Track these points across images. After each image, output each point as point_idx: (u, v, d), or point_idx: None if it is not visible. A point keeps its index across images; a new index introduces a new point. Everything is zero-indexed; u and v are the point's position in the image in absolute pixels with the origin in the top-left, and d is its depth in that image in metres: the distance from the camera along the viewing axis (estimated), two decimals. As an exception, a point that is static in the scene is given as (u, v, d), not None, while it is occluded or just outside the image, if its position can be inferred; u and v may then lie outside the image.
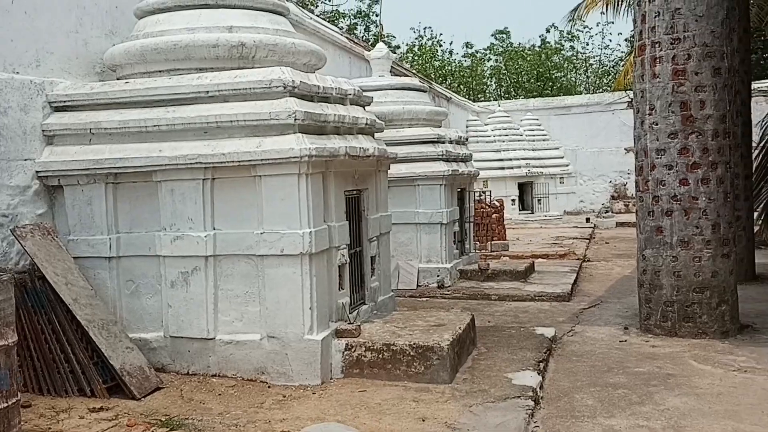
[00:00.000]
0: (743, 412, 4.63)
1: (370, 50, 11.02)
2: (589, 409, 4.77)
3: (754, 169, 11.62)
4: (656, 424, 4.46)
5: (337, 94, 5.73)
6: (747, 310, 7.37)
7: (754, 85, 12.94)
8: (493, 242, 12.86)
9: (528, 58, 34.63)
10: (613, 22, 27.28)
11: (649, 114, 6.73)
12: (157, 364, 5.41)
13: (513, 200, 19.63)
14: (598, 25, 33.83)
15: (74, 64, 6.03)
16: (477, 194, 13.35)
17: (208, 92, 5.30)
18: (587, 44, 35.47)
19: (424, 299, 8.83)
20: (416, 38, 35.95)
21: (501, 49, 36.27)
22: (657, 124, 6.67)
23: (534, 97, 28.76)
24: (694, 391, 5.08)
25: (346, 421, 4.40)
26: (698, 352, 6.08)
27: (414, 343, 5.22)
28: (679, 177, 6.58)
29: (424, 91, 10.53)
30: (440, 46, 36.02)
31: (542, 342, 6.23)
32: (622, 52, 33.46)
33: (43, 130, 5.59)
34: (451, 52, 36.45)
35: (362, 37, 28.64)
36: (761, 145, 13.89)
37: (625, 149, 22.24)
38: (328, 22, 17.09)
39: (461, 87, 33.70)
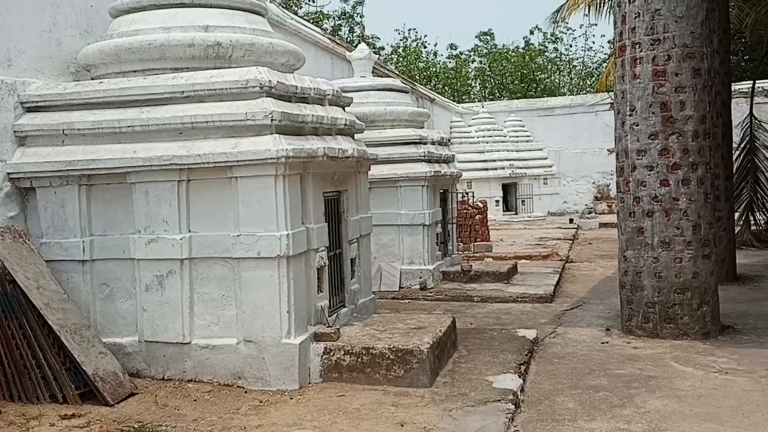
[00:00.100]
0: (724, 415, 4.61)
1: (352, 51, 10.95)
2: (569, 413, 4.73)
3: (734, 170, 11.68)
4: (637, 428, 4.43)
5: (315, 94, 5.66)
6: (728, 310, 7.38)
7: (735, 86, 13.01)
8: (476, 243, 12.83)
9: (512, 60, 34.72)
10: (596, 24, 27.34)
11: (630, 115, 6.72)
12: (132, 370, 5.31)
13: (497, 201, 19.66)
14: (581, 27, 34.14)
15: (47, 64, 5.91)
16: (460, 195, 13.32)
17: (183, 92, 5.21)
18: (571, 46, 35.81)
19: (407, 301, 8.77)
20: (401, 40, 35.98)
21: (485, 51, 36.35)
22: (637, 125, 6.66)
23: (518, 98, 28.82)
24: (675, 393, 5.05)
25: (324, 427, 4.33)
26: (679, 353, 6.06)
27: (393, 347, 5.16)
28: (660, 178, 6.57)
29: (406, 92, 10.48)
30: (425, 47, 36.05)
31: (524, 344, 6.18)
32: (605, 53, 33.63)
33: (14, 131, 5.48)
34: (435, 54, 36.52)
35: (346, 38, 28.52)
36: (742, 146, 14.01)
37: (608, 150, 22.30)
38: (313, 23, 17.01)
39: (446, 88, 33.71)
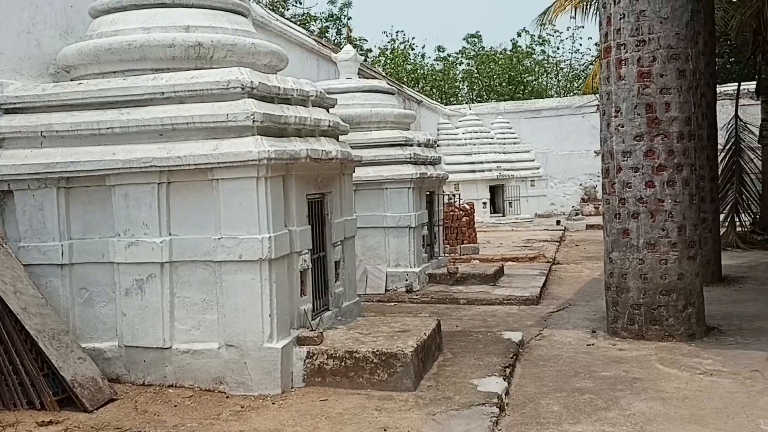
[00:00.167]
0: (708, 417, 4.58)
1: (338, 53, 10.89)
2: (554, 416, 4.69)
3: (720, 171, 11.72)
4: (621, 430, 4.39)
5: (298, 95, 5.61)
6: (713, 312, 7.38)
7: (720, 88, 13.09)
8: (463, 245, 12.81)
9: (500, 62, 34.77)
10: (583, 27, 27.54)
11: (615, 116, 6.70)
12: (112, 375, 5.23)
13: (484, 203, 19.66)
14: (568, 30, 34.22)
15: (26, 65, 5.83)
16: (447, 197, 13.29)
17: (163, 93, 5.14)
18: (558, 48, 35.80)
19: (392, 304, 8.72)
20: (389, 42, 35.95)
21: (473, 53, 36.38)
22: (623, 126, 6.64)
23: (506, 100, 28.85)
24: (660, 395, 5.02)
25: (305, 432, 4.27)
26: (665, 355, 6.05)
27: (377, 350, 5.10)
28: (645, 179, 6.56)
29: (392, 94, 10.43)
30: (413, 49, 36.06)
31: (509, 347, 6.14)
32: (592, 56, 33.78)
33: (-9, 133, 5.39)
34: (423, 56, 36.54)
35: (334, 40, 28.46)
36: (727, 147, 14.08)
37: (594, 152, 22.34)
38: (300, 25, 16.94)
39: (434, 90, 33.72)
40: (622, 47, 6.66)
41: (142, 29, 5.37)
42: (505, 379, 5.28)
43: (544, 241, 14.96)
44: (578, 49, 37.54)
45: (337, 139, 6.26)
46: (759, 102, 14.67)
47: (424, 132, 11.08)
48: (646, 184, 6.55)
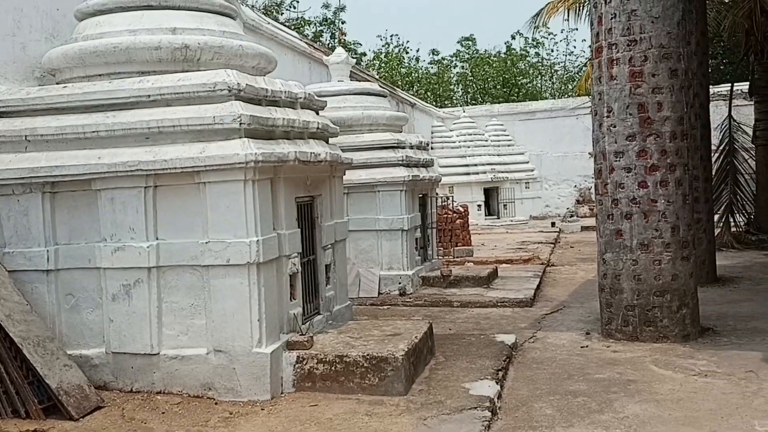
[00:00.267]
0: (703, 418, 4.53)
1: (330, 55, 10.84)
2: (547, 419, 4.63)
3: (714, 171, 11.69)
4: (615, 433, 4.35)
5: (286, 97, 5.55)
6: (708, 312, 7.33)
7: (714, 89, 13.07)
8: (457, 248, 12.75)
9: (494, 65, 34.80)
10: (577, 29, 27.52)
11: (607, 116, 6.66)
12: (99, 382, 5.15)
13: (479, 205, 19.62)
14: (562, 32, 34.23)
15: (11, 69, 5.76)
16: (441, 200, 13.25)
17: (149, 96, 5.08)
18: (552, 51, 35.96)
19: (386, 307, 8.65)
20: (383, 46, 35.92)
21: (467, 56, 36.40)
22: (615, 127, 6.60)
23: (500, 103, 28.85)
24: (654, 397, 4.97)
25: (294, 439, 4.20)
26: (659, 356, 5.99)
27: (368, 354, 5.04)
28: (638, 180, 6.51)
29: (384, 96, 10.38)
30: (407, 53, 36.05)
31: (502, 350, 6.08)
32: (586, 57, 33.78)
33: (-25, 138, 5.31)
34: (417, 59, 36.55)
35: (328, 44, 28.41)
36: (721, 148, 14.06)
37: (589, 153, 22.30)
38: (294, 29, 16.89)
39: (428, 94, 33.70)
40: (614, 47, 6.62)
41: (128, 31, 5.31)
42: (497, 383, 5.22)
43: (538, 243, 14.92)
44: (572, 51, 37.49)
45: (327, 142, 6.20)
46: (752, 102, 14.66)
47: (416, 134, 11.03)
48: (638, 184, 6.51)
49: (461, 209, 14.13)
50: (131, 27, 5.34)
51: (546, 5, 17.89)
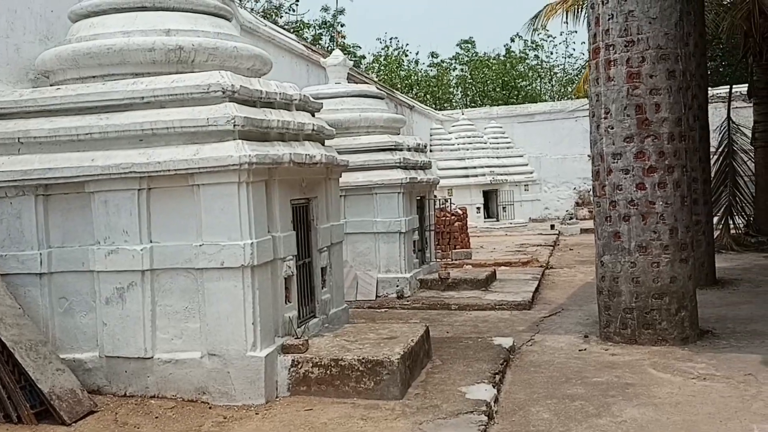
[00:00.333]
0: (701, 422, 4.48)
1: (328, 57, 10.81)
2: (544, 423, 4.58)
3: (713, 174, 11.64)
4: (612, 438, 4.30)
5: (281, 99, 5.51)
6: (707, 315, 7.29)
7: (713, 91, 13.05)
8: (455, 250, 12.71)
9: (493, 67, 34.78)
10: (576, 31, 27.52)
11: (605, 118, 6.62)
12: (92, 386, 5.11)
13: (478, 208, 19.58)
14: (561, 35, 34.19)
15: (4, 71, 5.72)
16: (439, 202, 13.20)
17: (143, 98, 5.04)
18: (551, 53, 35.92)
19: (383, 310, 8.61)
20: (382, 48, 35.93)
21: (466, 59, 36.40)
22: (612, 128, 6.56)
23: (499, 105, 28.82)
24: (652, 401, 4.92)
25: (288, 443, 4.16)
26: (657, 359, 5.95)
27: (363, 358, 4.99)
28: (636, 181, 6.47)
29: (381, 98, 10.34)
30: (406, 56, 36.03)
31: (499, 353, 6.04)
32: (585, 60, 33.74)
33: (-32, 140, 5.27)
34: (417, 62, 36.51)
35: (327, 47, 28.38)
36: (720, 150, 14.02)
37: (588, 156, 22.09)
38: (293, 32, 16.87)
39: (427, 96, 33.68)
40: (611, 48, 6.58)
41: (122, 33, 5.27)
42: (494, 386, 5.17)
43: (537, 245, 14.87)
44: (571, 54, 37.59)
45: (323, 144, 6.16)
46: (751, 104, 14.63)
47: (414, 136, 11.01)
48: (636, 186, 6.47)
49: (460, 212, 14.09)
50: (125, 28, 5.31)
51: (544, 8, 17.89)
